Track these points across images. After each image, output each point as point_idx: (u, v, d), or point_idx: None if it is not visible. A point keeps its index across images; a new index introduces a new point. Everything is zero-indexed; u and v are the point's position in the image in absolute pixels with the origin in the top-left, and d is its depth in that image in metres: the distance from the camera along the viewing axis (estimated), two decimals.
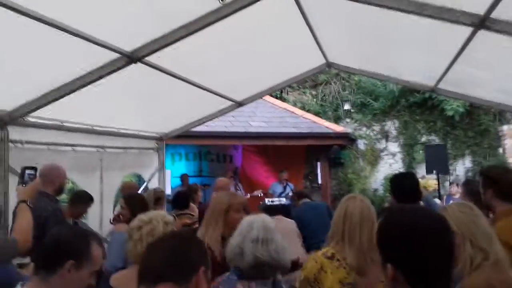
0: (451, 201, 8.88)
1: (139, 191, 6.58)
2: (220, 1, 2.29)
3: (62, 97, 3.86)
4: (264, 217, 2.24)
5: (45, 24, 2.82)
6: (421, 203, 3.38)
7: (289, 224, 5.11)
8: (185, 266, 1.42)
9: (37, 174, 3.16)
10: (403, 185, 3.34)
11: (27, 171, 3.07)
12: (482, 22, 3.07)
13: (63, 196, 5.20)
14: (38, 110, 3.98)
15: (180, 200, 5.89)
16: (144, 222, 2.38)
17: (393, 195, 3.42)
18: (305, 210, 5.59)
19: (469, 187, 3.56)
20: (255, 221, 2.20)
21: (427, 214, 1.37)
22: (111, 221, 4.66)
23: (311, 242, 4.82)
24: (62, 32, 2.98)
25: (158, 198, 5.14)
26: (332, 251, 2.53)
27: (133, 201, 3.98)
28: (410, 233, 1.30)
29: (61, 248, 1.82)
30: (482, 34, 3.33)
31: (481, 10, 2.99)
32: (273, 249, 2.08)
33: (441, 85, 5.54)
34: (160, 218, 2.41)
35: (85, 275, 1.83)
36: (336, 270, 2.47)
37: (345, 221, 2.54)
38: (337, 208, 2.67)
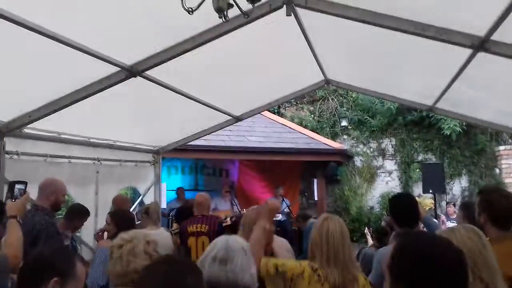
0: (448, 222, 8.87)
1: (134, 205, 6.54)
2: (223, 19, 2.29)
3: (60, 109, 3.86)
4: (230, 237, 2.15)
5: (45, 36, 2.81)
6: (420, 224, 3.35)
7: (282, 242, 5.06)
8: None
9: (27, 188, 3.11)
10: (402, 206, 3.30)
11: (17, 186, 3.01)
12: (482, 44, 3.09)
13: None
14: (35, 122, 3.97)
15: (184, 215, 5.86)
16: (125, 240, 2.33)
17: (392, 216, 3.38)
18: None
19: (467, 211, 3.52)
20: (219, 240, 2.12)
21: (445, 244, 1.37)
22: (94, 236, 4.60)
23: None
24: (62, 44, 2.97)
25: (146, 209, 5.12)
26: (316, 266, 2.57)
27: (118, 217, 3.94)
28: (430, 261, 1.30)
29: (45, 265, 1.81)
30: (481, 56, 3.35)
31: (481, 32, 3.00)
32: (230, 269, 1.97)
33: (439, 105, 5.56)
34: (142, 237, 2.36)
35: None
36: (314, 284, 2.52)
37: (328, 241, 2.58)
38: (315, 229, 2.68)
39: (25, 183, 3.06)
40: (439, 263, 1.29)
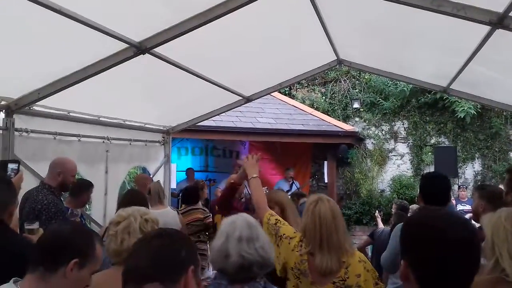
0: (458, 205, 8.79)
1: None
2: None
3: (69, 86, 3.83)
4: (245, 215, 2.19)
5: (54, 12, 2.76)
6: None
7: None
8: (173, 266, 1.37)
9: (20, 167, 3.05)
10: (438, 186, 3.15)
11: (10, 165, 2.96)
12: (500, 21, 2.97)
13: None
14: (45, 99, 3.95)
15: (190, 195, 5.87)
16: (122, 217, 2.31)
17: (422, 195, 3.21)
18: None
19: (483, 191, 3.43)
20: (237, 220, 2.12)
21: (455, 220, 1.29)
22: None
23: None
24: (71, 20, 2.92)
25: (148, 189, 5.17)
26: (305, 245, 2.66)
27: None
28: (429, 236, 1.25)
29: (65, 245, 1.73)
30: (499, 33, 3.23)
31: (500, 7, 2.89)
32: (260, 247, 1.99)
33: (454, 86, 5.44)
34: (139, 214, 2.34)
35: (86, 274, 1.76)
36: (295, 253, 2.66)
37: (321, 226, 2.61)
38: (307, 213, 2.71)
39: (17, 162, 3.00)
40: (440, 239, 1.23)
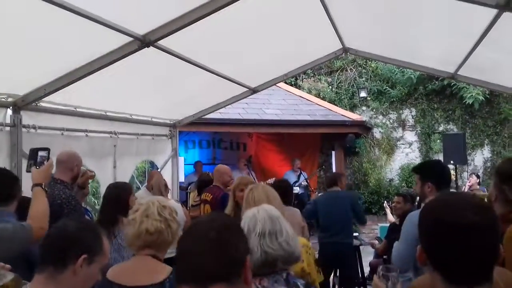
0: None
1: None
2: None
3: (75, 81, 3.82)
4: (267, 207, 2.07)
5: (57, 6, 2.76)
6: None
7: (295, 212, 5.04)
8: (236, 261, 1.25)
9: (50, 155, 3.07)
10: (443, 169, 3.27)
11: (40, 153, 2.95)
12: (507, 3, 2.93)
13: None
14: (51, 95, 3.96)
15: (206, 186, 5.90)
16: (140, 204, 2.38)
17: (433, 181, 3.16)
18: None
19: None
20: (258, 213, 2.00)
21: (467, 205, 1.24)
22: None
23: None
24: (75, 15, 2.91)
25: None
26: None
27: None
28: (433, 224, 1.27)
29: (73, 242, 1.71)
30: (507, 16, 3.19)
31: None
32: (284, 241, 1.90)
33: (462, 72, 5.38)
34: (157, 201, 2.38)
35: (95, 270, 1.75)
36: None
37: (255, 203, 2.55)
38: (244, 200, 2.86)
39: (47, 150, 3.00)
40: (443, 226, 1.22)
